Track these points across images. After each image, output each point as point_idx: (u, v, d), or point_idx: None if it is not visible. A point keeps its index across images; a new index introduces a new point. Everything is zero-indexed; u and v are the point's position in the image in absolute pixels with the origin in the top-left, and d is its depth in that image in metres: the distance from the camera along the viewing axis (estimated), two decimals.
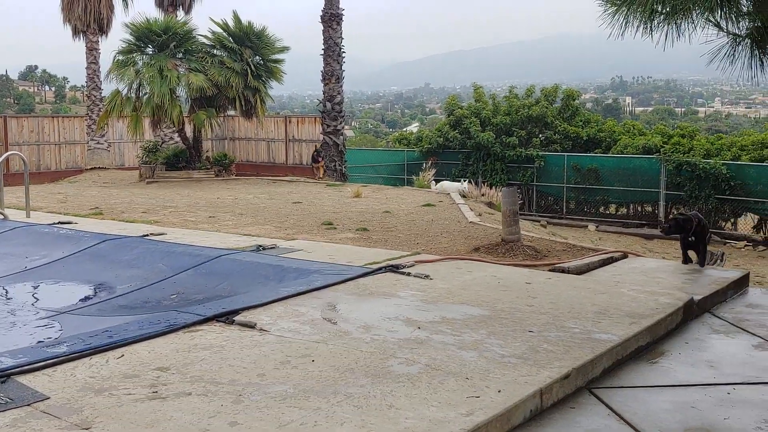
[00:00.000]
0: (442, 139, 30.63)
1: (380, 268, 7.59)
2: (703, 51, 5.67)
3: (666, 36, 5.41)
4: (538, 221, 25.44)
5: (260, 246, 8.97)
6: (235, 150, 29.75)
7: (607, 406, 4.67)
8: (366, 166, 30.99)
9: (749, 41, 5.56)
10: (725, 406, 4.66)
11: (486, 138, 29.44)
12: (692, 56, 6.03)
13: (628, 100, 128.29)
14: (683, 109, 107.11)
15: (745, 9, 5.42)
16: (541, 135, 30.26)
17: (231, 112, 25.42)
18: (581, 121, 31.22)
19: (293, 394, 4.35)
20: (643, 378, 5.18)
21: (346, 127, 30.66)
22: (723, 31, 5.61)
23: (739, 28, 5.61)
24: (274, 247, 8.96)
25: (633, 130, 31.00)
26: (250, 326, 5.60)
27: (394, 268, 7.63)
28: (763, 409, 4.63)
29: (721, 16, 5.40)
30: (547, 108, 30.49)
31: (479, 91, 32.95)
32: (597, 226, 26.08)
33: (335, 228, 11.55)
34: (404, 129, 51.62)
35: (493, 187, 22.82)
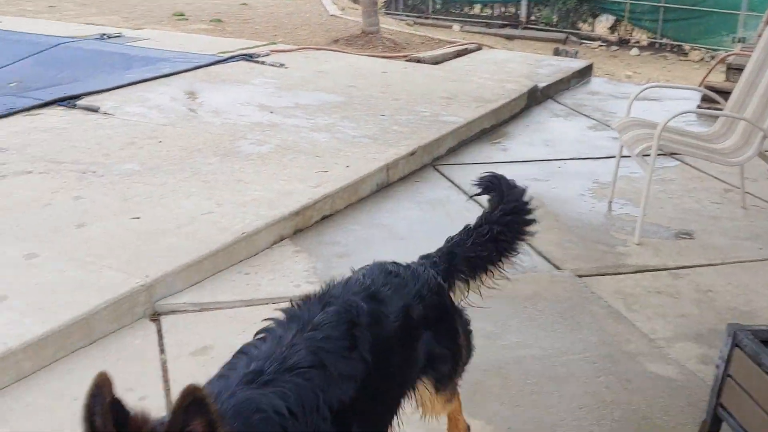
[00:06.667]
0: None
1: (233, 57, 7.38)
2: None
3: None
4: (405, 20, 25.16)
5: (105, 34, 8.43)
6: None
7: (448, 179, 4.94)
8: None
9: None
10: (554, 179, 5.05)
11: None
12: None
13: None
14: None
15: None
16: None
17: None
18: None
19: (139, 172, 4.32)
20: (485, 156, 5.48)
21: None
22: None
23: None
24: (119, 36, 8.46)
25: None
26: (93, 110, 5.40)
27: (249, 57, 7.44)
28: (587, 179, 5.05)
29: None
30: None
31: None
32: (461, 27, 26.05)
33: (187, 19, 10.98)
34: None
35: None
